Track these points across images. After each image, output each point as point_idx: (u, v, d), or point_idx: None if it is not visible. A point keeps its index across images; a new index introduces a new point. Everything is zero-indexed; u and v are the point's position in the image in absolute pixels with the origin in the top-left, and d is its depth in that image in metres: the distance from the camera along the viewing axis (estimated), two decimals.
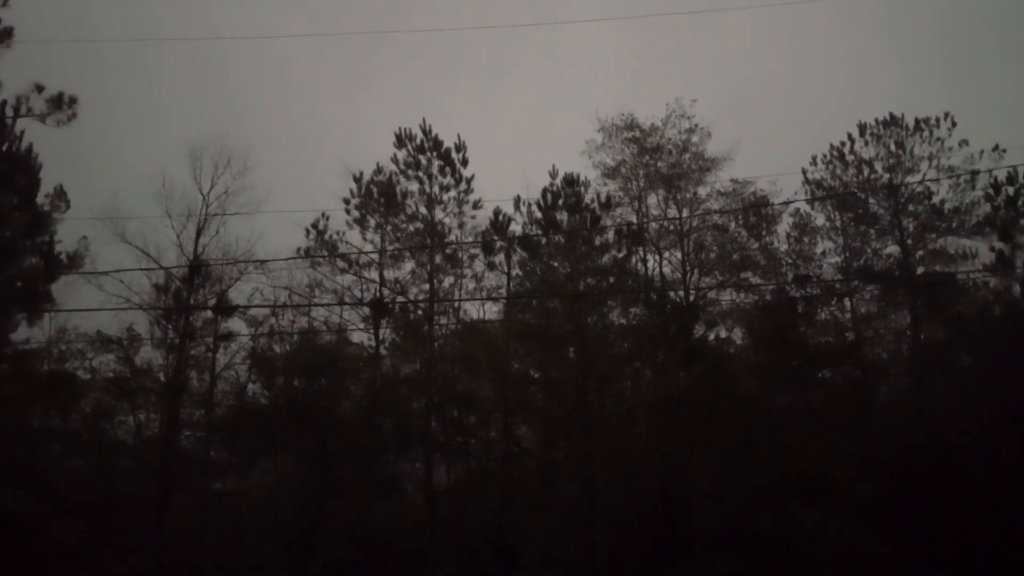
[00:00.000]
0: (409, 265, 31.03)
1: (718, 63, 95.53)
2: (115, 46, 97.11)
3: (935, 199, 29.84)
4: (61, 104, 23.94)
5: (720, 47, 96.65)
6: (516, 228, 30.93)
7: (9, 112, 23.93)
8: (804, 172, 31.12)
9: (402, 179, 31.13)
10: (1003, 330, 25.95)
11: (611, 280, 29.32)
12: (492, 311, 31.17)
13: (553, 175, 30.30)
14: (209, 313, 29.18)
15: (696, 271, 29.51)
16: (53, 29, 66.86)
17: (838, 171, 31.05)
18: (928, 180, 29.66)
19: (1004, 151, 28.77)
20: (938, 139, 29.70)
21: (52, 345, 28.51)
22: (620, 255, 29.50)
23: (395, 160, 31.21)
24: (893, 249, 30.41)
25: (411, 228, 31.15)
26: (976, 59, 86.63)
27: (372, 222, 30.99)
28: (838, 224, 30.86)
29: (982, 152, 29.16)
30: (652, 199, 29.95)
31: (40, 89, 23.69)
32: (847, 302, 30.16)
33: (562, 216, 29.92)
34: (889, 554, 22.00)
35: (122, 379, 28.28)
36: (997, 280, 28.23)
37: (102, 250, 27.52)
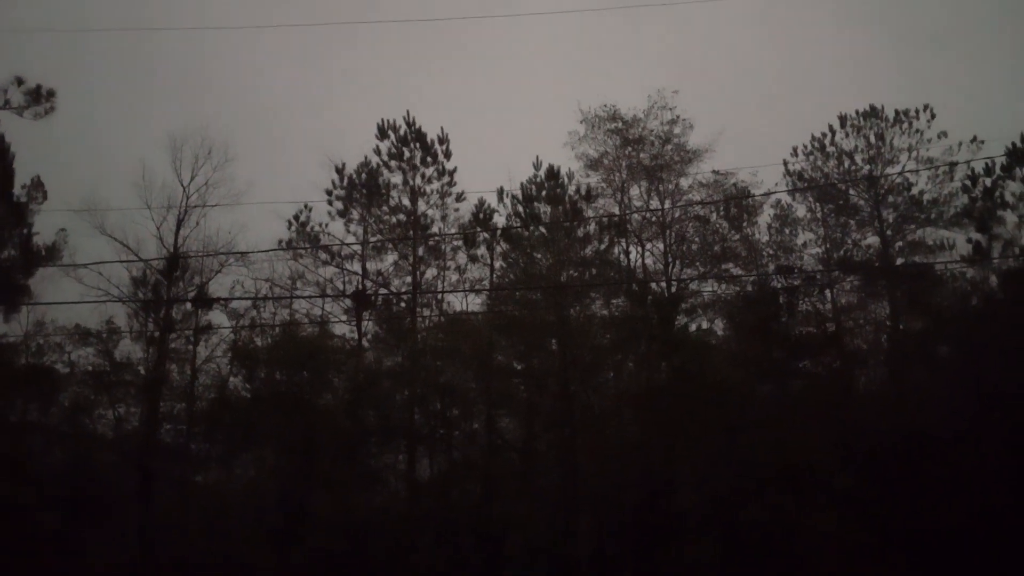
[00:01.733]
0: (392, 257, 30.96)
1: (699, 53, 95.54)
2: (95, 36, 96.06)
3: (914, 190, 30.14)
4: (39, 98, 23.72)
5: (700, 37, 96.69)
6: (499, 220, 30.98)
7: None
8: (785, 163, 31.28)
9: (385, 171, 31.03)
10: (980, 321, 26.19)
11: (593, 271, 29.38)
12: (475, 303, 31.19)
13: (537, 166, 30.39)
14: (189, 306, 29.00)
15: (678, 262, 29.66)
16: (30, 19, 66.04)
17: (819, 162, 31.25)
18: (907, 171, 29.96)
19: (982, 143, 29.09)
20: (917, 131, 29.97)
21: (30, 339, 28.22)
22: (602, 246, 29.60)
23: (378, 151, 31.09)
24: (873, 240, 30.67)
25: (394, 220, 31.06)
26: (957, 49, 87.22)
27: (355, 214, 30.87)
28: (819, 215, 31.05)
29: (960, 144, 29.48)
30: (634, 190, 30.13)
31: (20, 82, 23.44)
32: (827, 293, 30.35)
33: (545, 208, 29.93)
34: (870, 542, 22.18)
35: (101, 372, 28.03)
36: (974, 271, 28.46)
37: (81, 242, 27.37)
